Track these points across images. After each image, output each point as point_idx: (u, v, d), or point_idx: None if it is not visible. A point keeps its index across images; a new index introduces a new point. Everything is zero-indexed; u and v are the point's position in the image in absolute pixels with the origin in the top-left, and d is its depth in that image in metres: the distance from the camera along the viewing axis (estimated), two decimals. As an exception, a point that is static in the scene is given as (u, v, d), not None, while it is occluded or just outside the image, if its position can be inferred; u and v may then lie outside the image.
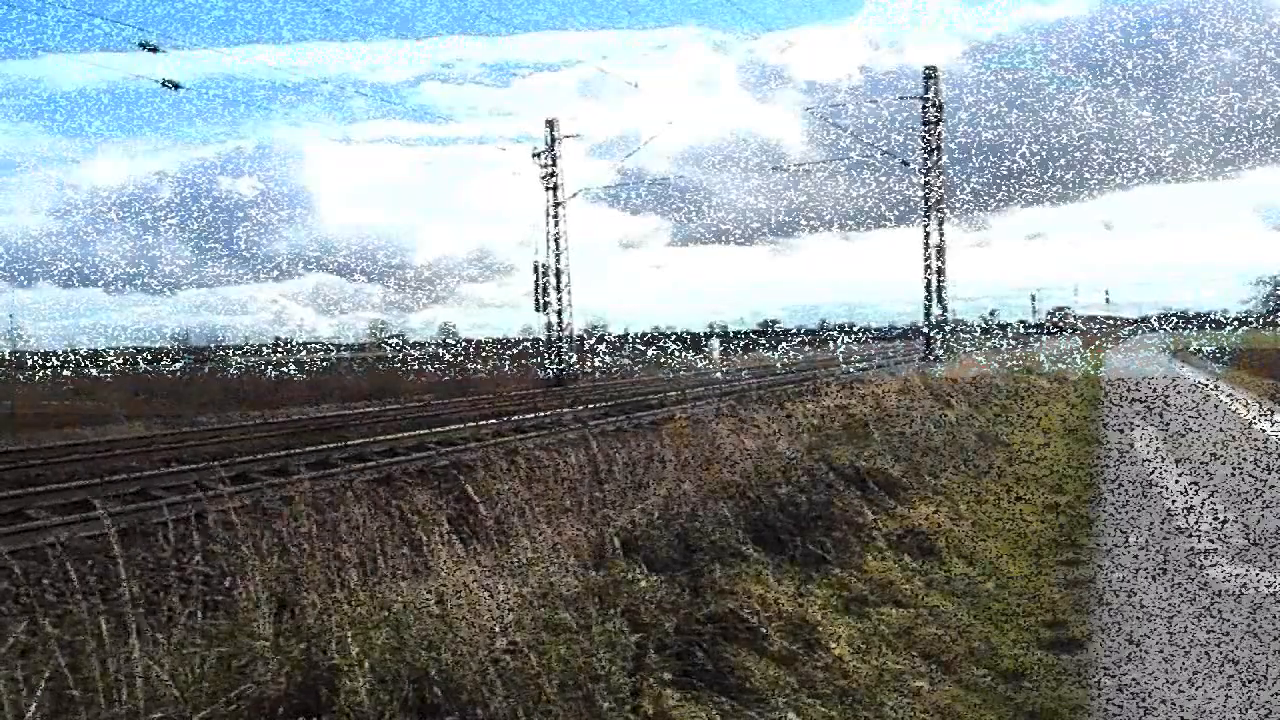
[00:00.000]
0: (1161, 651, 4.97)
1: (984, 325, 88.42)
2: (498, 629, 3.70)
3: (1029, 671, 4.66)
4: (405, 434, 16.65)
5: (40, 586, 7.10)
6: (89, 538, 8.46)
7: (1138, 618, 5.53)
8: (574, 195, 35.97)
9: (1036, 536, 7.54)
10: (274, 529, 4.47)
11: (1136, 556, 6.95)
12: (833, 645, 4.33)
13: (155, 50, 16.31)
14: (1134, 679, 4.59)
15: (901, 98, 32.81)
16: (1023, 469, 10.33)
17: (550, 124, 34.81)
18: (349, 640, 3.41)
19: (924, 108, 32.47)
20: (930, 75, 32.71)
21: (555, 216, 35.15)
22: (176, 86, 18.30)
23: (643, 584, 4.60)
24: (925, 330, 35.84)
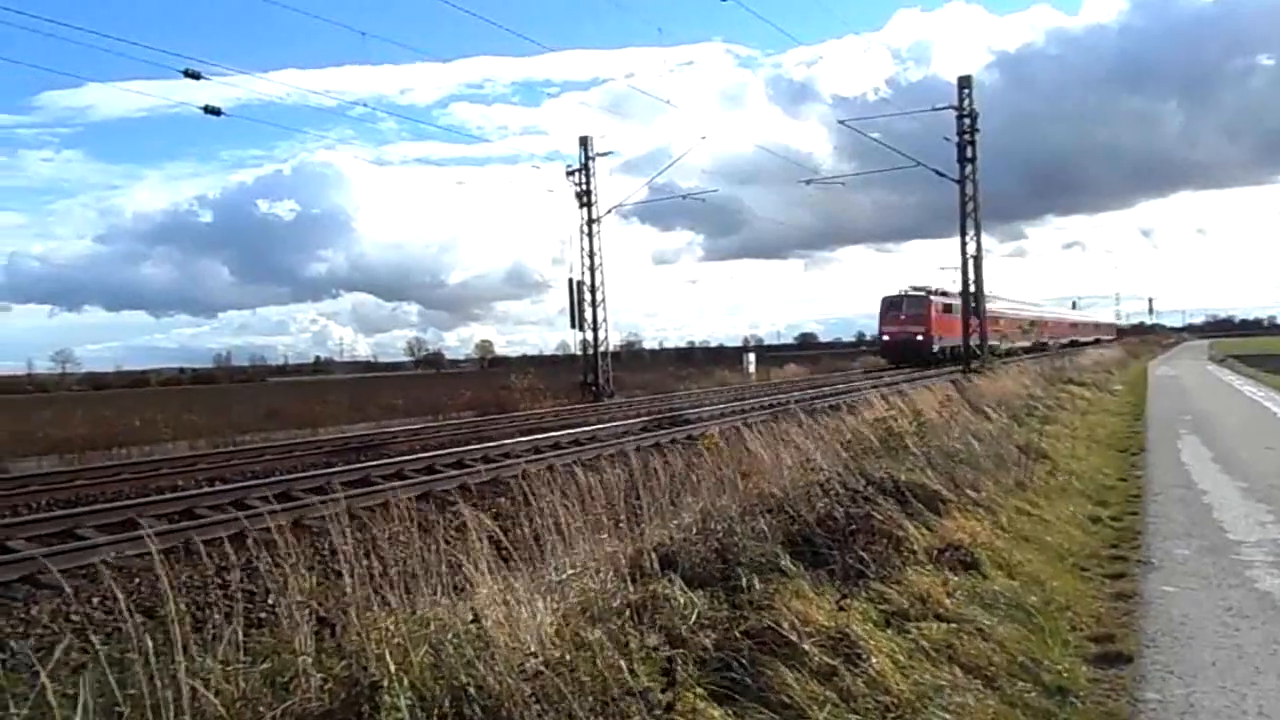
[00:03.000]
0: (1215, 666, 4.85)
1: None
2: (535, 645, 3.72)
3: (1075, 687, 4.58)
4: (445, 450, 16.76)
5: (90, 604, 7.27)
6: (136, 556, 8.62)
7: (1188, 632, 5.41)
8: (609, 212, 36.14)
9: (1081, 549, 7.41)
10: (316, 546, 4.54)
11: (1185, 568, 6.79)
12: (873, 660, 4.28)
13: (198, 77, 16.63)
14: (1184, 695, 4.49)
15: (934, 108, 32.58)
16: (1065, 480, 10.16)
17: (584, 141, 35.03)
18: (389, 657, 3.45)
19: (958, 118, 32.23)
20: (964, 85, 32.47)
21: (590, 233, 35.31)
22: (218, 113, 18.59)
23: (680, 599, 4.59)
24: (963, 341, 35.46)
